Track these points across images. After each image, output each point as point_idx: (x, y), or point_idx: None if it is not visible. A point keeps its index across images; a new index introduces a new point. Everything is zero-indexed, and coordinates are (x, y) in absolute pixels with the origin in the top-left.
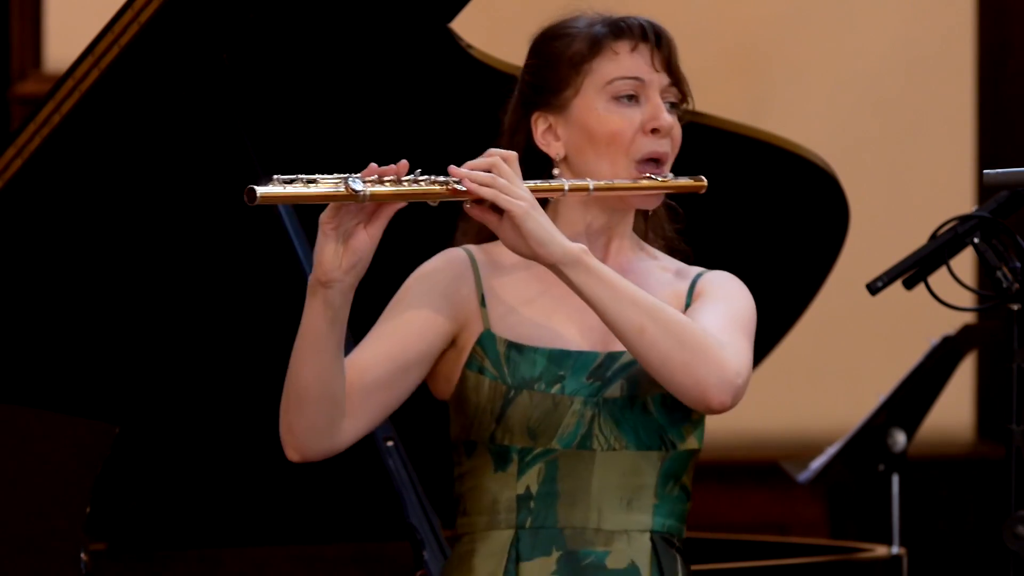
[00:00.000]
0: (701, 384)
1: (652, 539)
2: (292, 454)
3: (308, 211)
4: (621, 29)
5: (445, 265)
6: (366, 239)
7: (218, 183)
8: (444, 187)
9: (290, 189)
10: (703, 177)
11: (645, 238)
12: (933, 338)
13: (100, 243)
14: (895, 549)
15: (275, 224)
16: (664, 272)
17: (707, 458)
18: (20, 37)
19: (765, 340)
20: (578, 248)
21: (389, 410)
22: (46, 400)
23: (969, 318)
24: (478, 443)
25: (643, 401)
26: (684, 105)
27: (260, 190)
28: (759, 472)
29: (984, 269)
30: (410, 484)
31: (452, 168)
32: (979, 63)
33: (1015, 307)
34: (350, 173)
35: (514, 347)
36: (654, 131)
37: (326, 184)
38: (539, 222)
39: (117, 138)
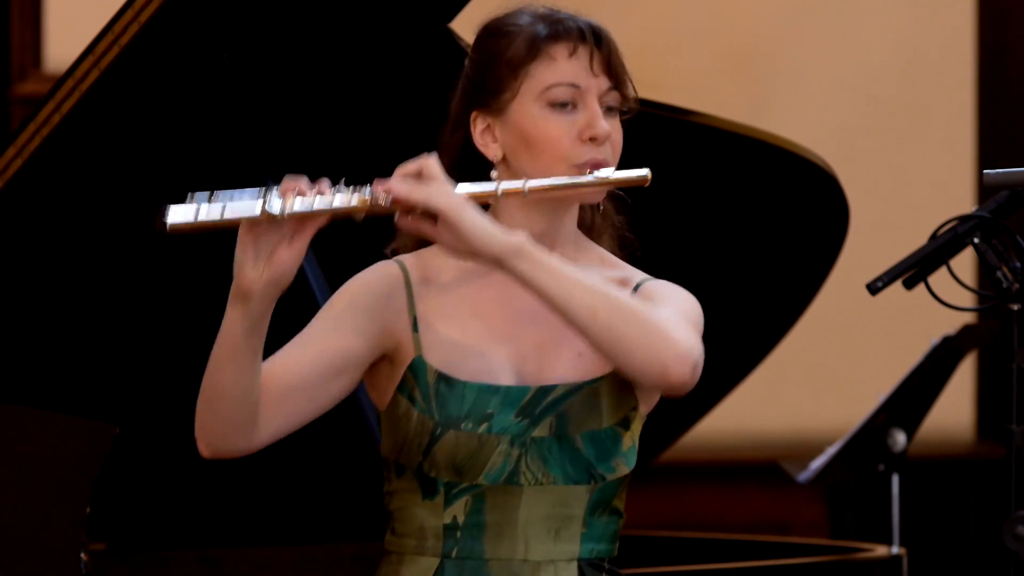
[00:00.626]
0: (661, 359)
1: (580, 567)
2: (204, 450)
3: None
4: (559, 32)
5: (377, 282)
6: (288, 256)
7: (218, 183)
8: (370, 198)
9: (202, 216)
10: (646, 169)
11: (592, 229)
12: (933, 338)
13: (100, 243)
14: (895, 549)
15: None
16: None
17: (707, 458)
18: (20, 37)
19: (765, 340)
20: (518, 238)
21: (308, 415)
22: (46, 400)
23: (969, 318)
24: (407, 468)
25: (571, 439)
26: (627, 106)
27: (171, 220)
28: (759, 472)
29: (984, 269)
30: None
31: (377, 180)
32: (979, 63)
33: (1015, 307)
34: (269, 186)
35: (444, 379)
36: (592, 139)
37: (241, 204)
38: (474, 218)
39: (117, 138)
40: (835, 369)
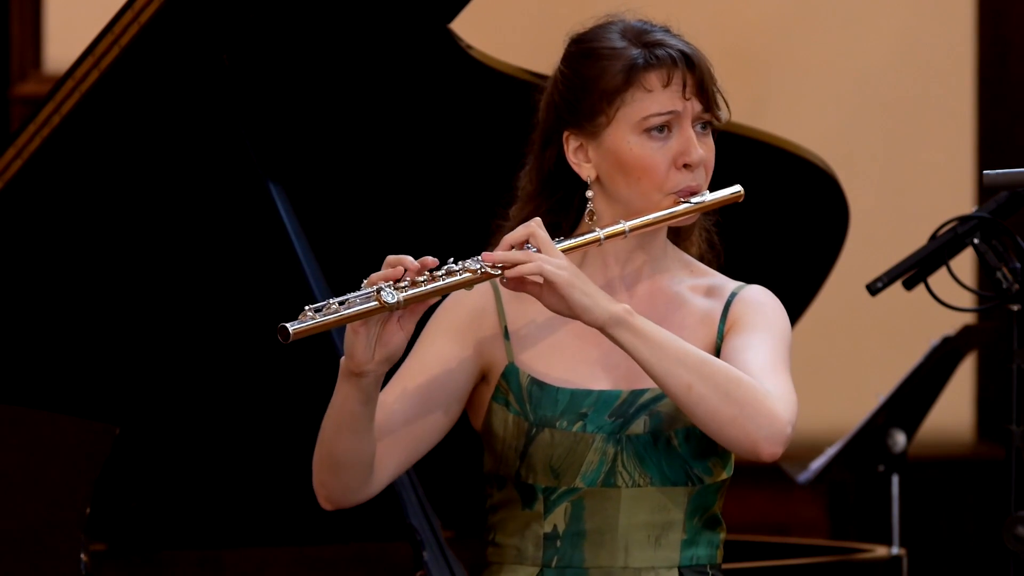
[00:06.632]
0: (751, 437)
1: (681, 574)
2: (324, 504)
3: (308, 211)
4: (654, 60)
5: (467, 298)
6: (400, 334)
7: (218, 184)
8: (478, 273)
9: (322, 318)
10: (738, 186)
11: (680, 234)
12: (933, 338)
13: (100, 244)
14: (895, 549)
15: (275, 225)
16: (695, 294)
17: None
18: (20, 37)
19: None
20: (622, 309)
21: (417, 453)
22: (46, 400)
23: (969, 319)
24: (506, 479)
25: (667, 436)
26: (718, 120)
27: (292, 328)
28: (759, 472)
29: (984, 270)
30: (410, 485)
31: (486, 255)
32: (979, 63)
33: (1015, 308)
34: (380, 284)
35: (536, 384)
36: (686, 166)
37: (358, 301)
38: (583, 290)
39: (117, 139)
40: (835, 369)
